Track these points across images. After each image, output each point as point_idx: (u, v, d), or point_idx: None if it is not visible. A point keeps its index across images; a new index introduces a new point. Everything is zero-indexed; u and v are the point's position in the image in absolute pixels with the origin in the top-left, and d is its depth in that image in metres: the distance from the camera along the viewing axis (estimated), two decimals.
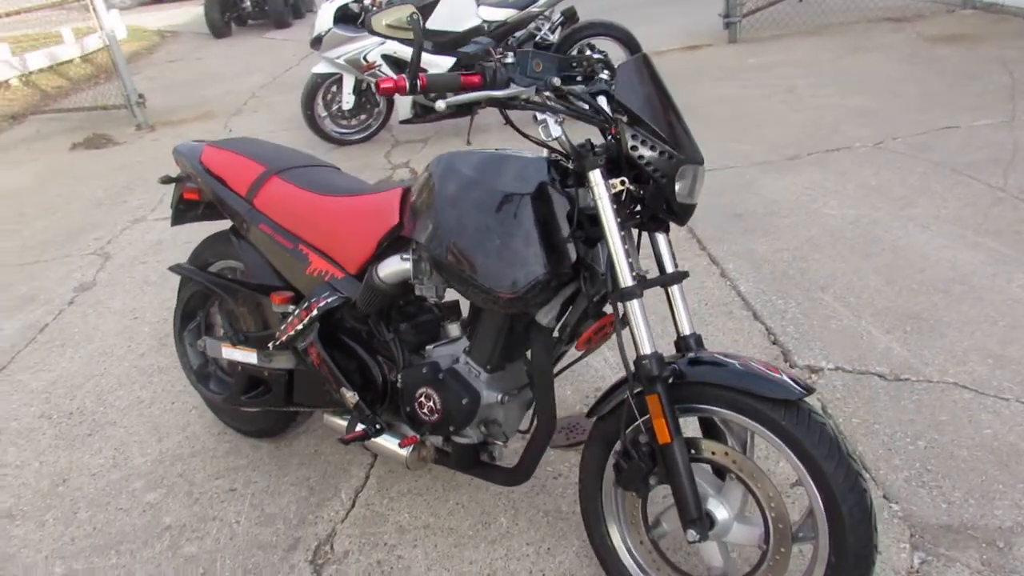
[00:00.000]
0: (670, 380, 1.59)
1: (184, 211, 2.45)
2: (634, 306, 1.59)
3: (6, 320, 3.77)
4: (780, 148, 4.70)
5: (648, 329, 1.60)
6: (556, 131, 1.59)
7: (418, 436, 1.96)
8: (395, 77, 1.51)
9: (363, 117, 5.85)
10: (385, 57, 5.23)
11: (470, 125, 3.26)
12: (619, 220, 1.58)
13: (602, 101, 1.66)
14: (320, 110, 5.73)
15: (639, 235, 1.78)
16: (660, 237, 1.74)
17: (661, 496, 1.81)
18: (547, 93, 1.59)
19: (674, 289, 1.74)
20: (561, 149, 1.63)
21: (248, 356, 2.27)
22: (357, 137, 5.89)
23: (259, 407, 2.35)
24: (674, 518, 1.64)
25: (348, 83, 5.54)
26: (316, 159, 2.33)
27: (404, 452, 1.99)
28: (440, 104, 1.49)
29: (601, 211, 1.58)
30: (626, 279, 1.58)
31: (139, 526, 2.28)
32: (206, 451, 2.58)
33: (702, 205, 3.94)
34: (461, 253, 1.69)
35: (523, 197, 1.66)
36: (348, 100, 5.61)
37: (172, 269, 2.45)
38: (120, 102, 7.72)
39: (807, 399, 1.53)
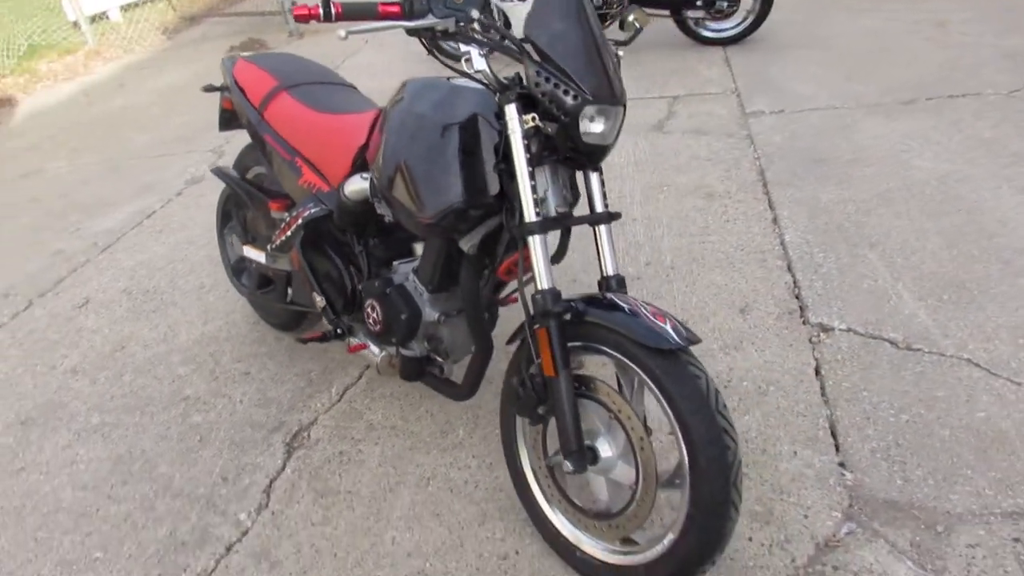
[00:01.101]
0: (567, 317, 1.62)
1: (228, 119, 2.67)
2: (535, 241, 1.61)
3: (125, 205, 4.27)
4: (899, 90, 4.31)
5: (546, 265, 1.62)
6: (479, 64, 1.61)
7: (367, 344, 2.11)
8: (310, 4, 1.59)
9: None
10: None
11: None
12: (529, 156, 1.60)
13: None
14: None
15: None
16: (592, 176, 1.74)
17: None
18: (472, 25, 1.61)
19: (601, 229, 1.74)
20: (485, 82, 1.65)
21: (259, 256, 2.50)
22: None
23: (269, 302, 2.58)
24: None
25: None
26: (334, 78, 2.46)
27: (376, 358, 2.15)
28: (341, 32, 1.55)
29: (512, 145, 1.60)
30: (529, 215, 1.61)
31: (165, 394, 2.62)
32: (238, 337, 2.87)
33: (783, 146, 3.76)
34: (391, 176, 1.77)
35: (452, 126, 1.70)
36: None
37: (212, 171, 2.70)
38: (276, 8, 8.21)
39: (687, 351, 1.53)
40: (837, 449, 2.06)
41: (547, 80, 1.53)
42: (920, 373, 2.27)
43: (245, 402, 2.52)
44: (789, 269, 2.84)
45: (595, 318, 1.59)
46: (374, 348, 2.17)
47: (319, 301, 2.19)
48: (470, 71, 1.63)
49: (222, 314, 3.03)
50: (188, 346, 2.86)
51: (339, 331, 2.19)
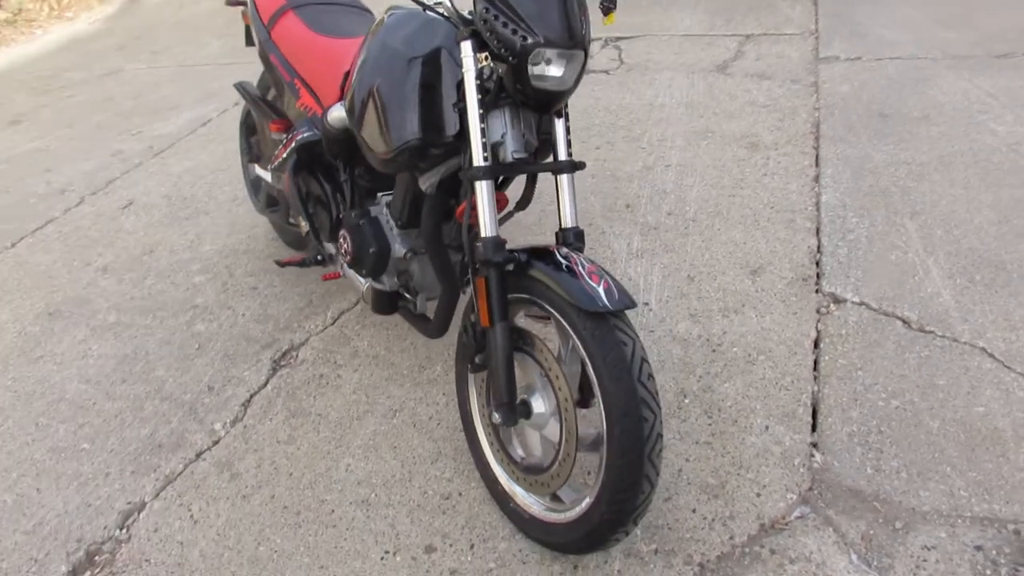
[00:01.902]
0: (509, 268, 1.58)
1: (250, 35, 2.67)
2: (481, 187, 1.56)
3: (186, 111, 4.39)
4: (995, 41, 3.91)
5: (491, 212, 1.57)
6: None
7: (340, 273, 2.13)
8: None
9: None
10: None
11: None
12: (481, 96, 1.53)
13: None
14: None
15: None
16: (557, 122, 1.66)
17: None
18: None
19: (563, 178, 1.67)
20: (446, 15, 1.58)
21: (266, 175, 2.53)
22: None
23: (275, 220, 2.63)
24: None
25: None
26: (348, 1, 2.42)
27: (362, 287, 2.17)
28: None
29: (464, 84, 1.54)
30: (477, 158, 1.55)
31: (177, 300, 2.73)
32: (254, 251, 2.95)
33: (849, 97, 3.50)
34: (357, 107, 1.74)
35: (417, 60, 1.65)
36: None
37: (235, 85, 2.72)
38: None
39: (619, 315, 1.46)
40: (814, 428, 1.97)
41: (496, 18, 1.45)
42: (925, 357, 2.12)
43: (246, 316, 2.60)
44: (817, 232, 2.68)
45: (535, 271, 1.54)
46: (357, 278, 2.18)
47: (304, 226, 2.21)
48: (431, 2, 1.57)
49: (246, 228, 3.11)
50: (209, 256, 2.96)
51: (319, 258, 2.21)
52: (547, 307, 1.55)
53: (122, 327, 2.62)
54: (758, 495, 1.81)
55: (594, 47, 4.55)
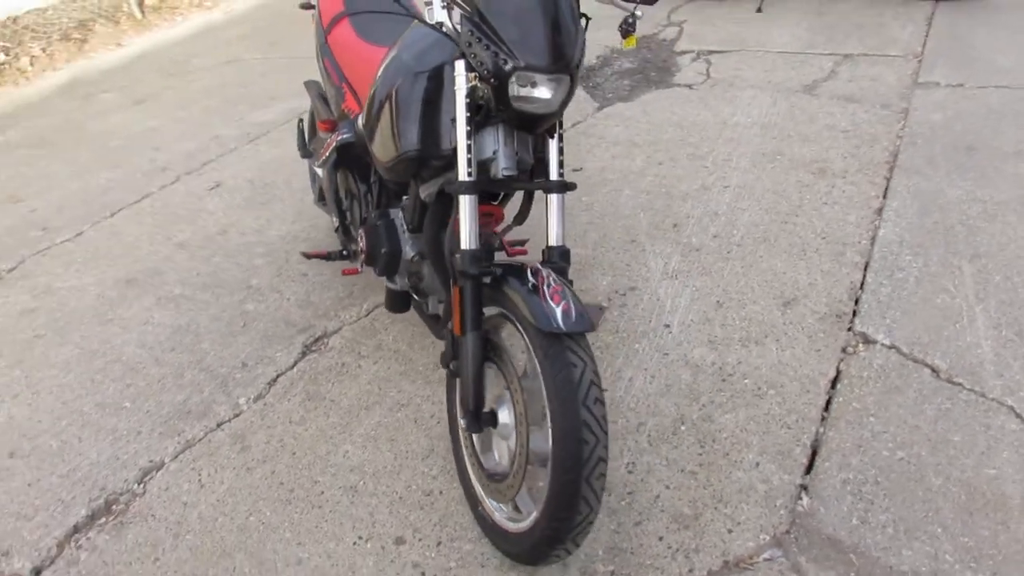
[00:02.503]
0: (486, 280, 1.63)
1: None
2: (464, 201, 1.62)
3: (285, 100, 4.66)
4: None
5: (472, 225, 1.62)
6: (439, 14, 1.61)
7: (359, 269, 2.23)
8: None
9: None
10: None
11: None
12: (469, 114, 1.59)
13: None
14: None
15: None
16: (550, 142, 1.70)
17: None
18: None
19: (552, 198, 1.70)
20: (446, 32, 1.64)
21: (318, 170, 2.68)
22: None
23: (325, 212, 2.77)
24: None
25: None
26: (401, 9, 2.52)
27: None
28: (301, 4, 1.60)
29: (456, 99, 1.60)
30: (461, 173, 1.61)
31: (236, 280, 2.93)
32: (313, 240, 3.12)
33: (938, 126, 3.33)
34: (368, 114, 1.84)
35: (422, 75, 1.73)
36: None
37: (304, 82, 2.89)
38: None
39: (574, 337, 1.49)
40: (808, 471, 1.91)
41: (479, 41, 1.50)
42: (945, 410, 2.01)
43: (291, 300, 2.76)
44: (864, 268, 2.57)
45: (507, 287, 1.59)
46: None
47: (334, 221, 2.34)
48: (431, 20, 1.64)
49: (310, 217, 3.29)
50: (272, 240, 3.16)
51: (344, 252, 2.33)
52: (515, 323, 1.59)
53: (183, 299, 2.85)
54: (730, 531, 1.78)
55: (683, 60, 4.49)
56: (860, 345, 2.26)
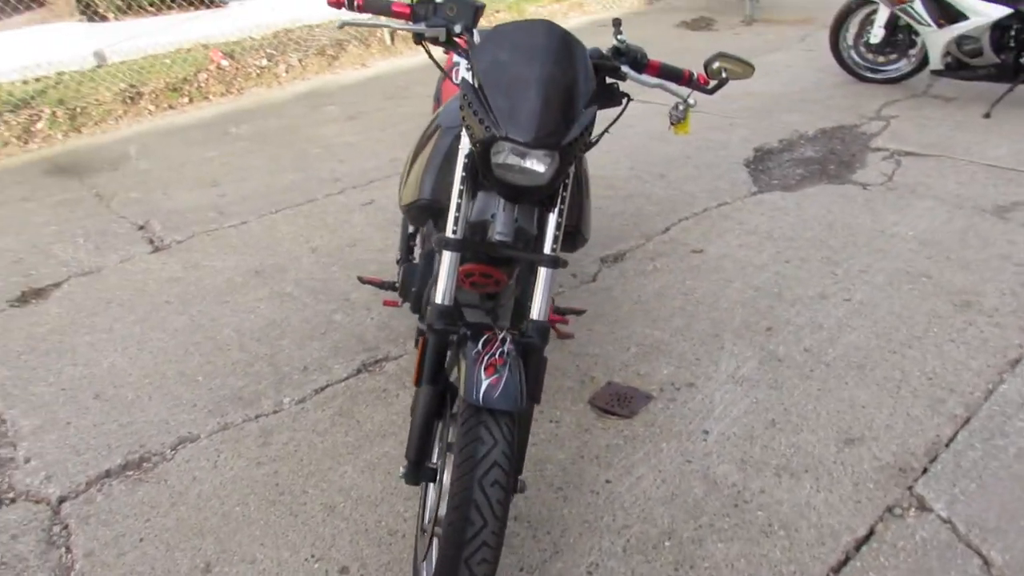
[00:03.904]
0: (452, 338, 1.64)
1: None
2: (445, 256, 1.65)
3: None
4: None
5: (447, 282, 1.65)
6: (464, 74, 1.66)
7: (399, 303, 2.31)
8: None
9: (893, 56, 5.21)
10: None
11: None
12: (465, 175, 1.62)
13: None
14: (848, 39, 5.30)
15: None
16: (549, 216, 1.68)
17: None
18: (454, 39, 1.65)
19: (541, 271, 1.68)
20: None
21: None
22: (879, 77, 5.30)
23: None
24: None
25: (881, 15, 4.97)
26: None
27: None
28: (341, 19, 1.71)
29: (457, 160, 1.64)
30: (448, 229, 1.64)
31: (339, 291, 3.14)
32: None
33: None
34: (405, 161, 1.93)
35: (447, 131, 1.79)
36: (876, 34, 5.05)
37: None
38: None
39: (495, 414, 1.45)
40: None
41: (470, 106, 1.53)
42: None
43: (374, 320, 2.92)
44: (962, 424, 2.22)
45: (462, 349, 1.59)
46: None
47: (396, 256, 2.45)
48: (456, 80, 1.69)
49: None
50: (388, 260, 3.36)
51: (396, 284, 2.42)
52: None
53: (289, 298, 3.11)
54: None
55: (872, 157, 4.14)
56: (911, 509, 1.96)
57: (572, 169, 1.69)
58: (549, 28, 1.55)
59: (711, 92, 1.84)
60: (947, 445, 2.15)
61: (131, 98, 6.03)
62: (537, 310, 1.67)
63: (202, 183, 4.37)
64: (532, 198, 1.61)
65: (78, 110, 5.75)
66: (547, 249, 1.68)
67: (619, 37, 1.77)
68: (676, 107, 1.81)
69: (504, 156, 1.51)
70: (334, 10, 1.73)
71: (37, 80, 6.19)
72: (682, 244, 3.32)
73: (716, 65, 1.80)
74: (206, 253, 3.53)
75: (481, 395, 1.44)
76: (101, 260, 3.50)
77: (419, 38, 1.72)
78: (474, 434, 1.44)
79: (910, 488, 2.02)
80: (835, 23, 5.30)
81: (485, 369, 1.49)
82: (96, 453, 2.30)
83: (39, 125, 5.55)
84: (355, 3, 1.76)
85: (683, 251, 3.26)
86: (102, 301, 3.15)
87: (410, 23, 1.72)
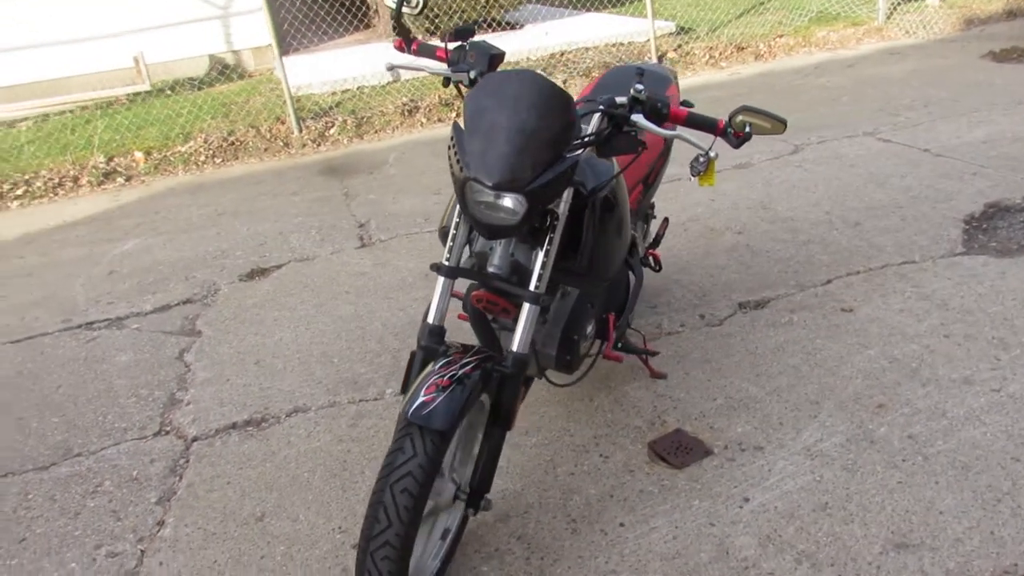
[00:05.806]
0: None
1: None
2: (438, 282, 1.82)
3: None
4: None
5: (439, 304, 1.83)
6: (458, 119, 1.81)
7: None
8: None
9: None
10: None
11: None
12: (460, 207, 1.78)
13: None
14: None
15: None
16: (538, 253, 1.77)
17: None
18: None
19: (525, 307, 1.78)
20: None
21: None
22: None
23: None
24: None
25: None
26: None
27: None
28: (387, 66, 1.93)
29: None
30: (444, 255, 1.81)
31: None
32: None
33: None
34: None
35: None
36: None
37: None
38: None
39: (426, 430, 1.59)
40: None
41: (453, 146, 1.67)
42: None
43: None
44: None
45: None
46: None
47: None
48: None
49: None
50: None
51: None
52: None
53: (392, 306, 3.42)
54: None
55: None
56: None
57: (562, 210, 1.77)
58: (532, 79, 1.64)
59: (736, 147, 1.78)
60: None
61: (409, 111, 6.86)
62: (519, 343, 1.77)
63: (428, 191, 4.89)
64: (501, 236, 1.71)
65: (364, 119, 6.70)
66: (531, 286, 1.77)
67: (636, 87, 1.79)
68: (697, 159, 1.78)
69: (476, 195, 1.64)
70: (396, 51, 1.99)
71: (343, 92, 7.31)
72: (835, 300, 3.06)
73: (739, 119, 1.74)
74: (398, 253, 4.00)
75: (411, 410, 1.59)
76: (318, 250, 4.13)
77: (447, 81, 1.91)
78: (399, 444, 1.60)
79: (934, 552, 1.75)
80: None
81: (427, 387, 1.63)
82: (233, 407, 2.80)
83: (332, 131, 6.57)
84: (411, 47, 2.00)
85: (831, 307, 3.01)
86: (300, 284, 3.74)
87: (446, 67, 1.92)
